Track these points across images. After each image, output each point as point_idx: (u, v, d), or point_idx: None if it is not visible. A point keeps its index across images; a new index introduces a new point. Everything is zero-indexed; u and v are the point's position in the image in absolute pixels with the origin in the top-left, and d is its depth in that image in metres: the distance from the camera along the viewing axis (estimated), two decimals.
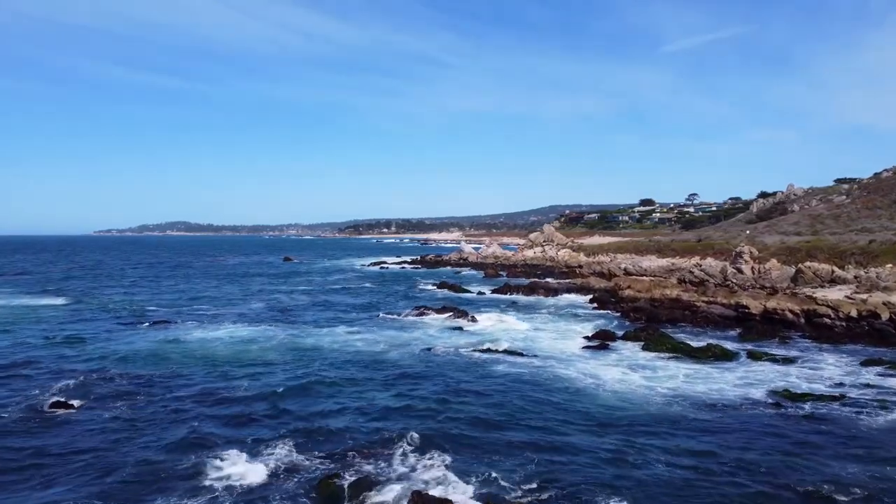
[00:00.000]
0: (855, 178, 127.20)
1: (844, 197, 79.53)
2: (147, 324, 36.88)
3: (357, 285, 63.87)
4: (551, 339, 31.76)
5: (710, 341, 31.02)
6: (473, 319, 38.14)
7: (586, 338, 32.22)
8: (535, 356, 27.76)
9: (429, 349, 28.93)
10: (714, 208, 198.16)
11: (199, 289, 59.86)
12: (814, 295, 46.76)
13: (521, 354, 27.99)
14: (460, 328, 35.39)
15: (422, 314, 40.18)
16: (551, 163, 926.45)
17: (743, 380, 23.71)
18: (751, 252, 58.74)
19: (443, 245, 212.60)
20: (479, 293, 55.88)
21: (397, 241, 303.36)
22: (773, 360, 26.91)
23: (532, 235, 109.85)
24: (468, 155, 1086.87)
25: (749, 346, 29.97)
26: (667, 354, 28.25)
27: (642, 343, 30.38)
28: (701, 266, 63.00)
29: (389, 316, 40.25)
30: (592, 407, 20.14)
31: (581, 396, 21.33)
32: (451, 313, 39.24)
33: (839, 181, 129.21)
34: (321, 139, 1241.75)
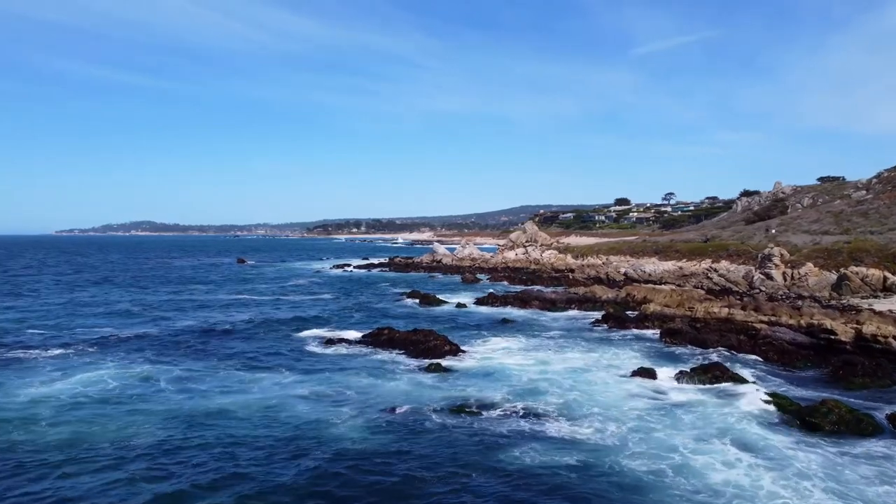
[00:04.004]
0: (839, 177, 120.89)
1: (864, 192, 71.14)
2: None
3: (312, 296, 52.96)
4: (580, 384, 21.38)
5: (807, 392, 21.29)
6: (459, 351, 27.74)
7: (630, 375, 22.12)
8: (570, 421, 17.42)
9: (398, 411, 18.44)
10: (692, 208, 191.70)
11: (113, 300, 48.32)
12: (871, 307, 37.69)
13: (546, 419, 17.63)
14: (442, 366, 24.91)
15: (389, 343, 29.60)
16: (522, 163, 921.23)
17: None
18: (781, 255, 49.46)
19: (415, 246, 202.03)
20: (459, 305, 45.63)
21: (364, 240, 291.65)
22: None
23: (513, 235, 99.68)
24: (439, 155, 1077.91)
25: (878, 403, 20.12)
26: (767, 417, 18.22)
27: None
28: (718, 271, 53.65)
29: (344, 348, 29.57)
30: None
31: None
32: (428, 341, 28.67)
33: (823, 180, 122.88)
34: (293, 138, 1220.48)
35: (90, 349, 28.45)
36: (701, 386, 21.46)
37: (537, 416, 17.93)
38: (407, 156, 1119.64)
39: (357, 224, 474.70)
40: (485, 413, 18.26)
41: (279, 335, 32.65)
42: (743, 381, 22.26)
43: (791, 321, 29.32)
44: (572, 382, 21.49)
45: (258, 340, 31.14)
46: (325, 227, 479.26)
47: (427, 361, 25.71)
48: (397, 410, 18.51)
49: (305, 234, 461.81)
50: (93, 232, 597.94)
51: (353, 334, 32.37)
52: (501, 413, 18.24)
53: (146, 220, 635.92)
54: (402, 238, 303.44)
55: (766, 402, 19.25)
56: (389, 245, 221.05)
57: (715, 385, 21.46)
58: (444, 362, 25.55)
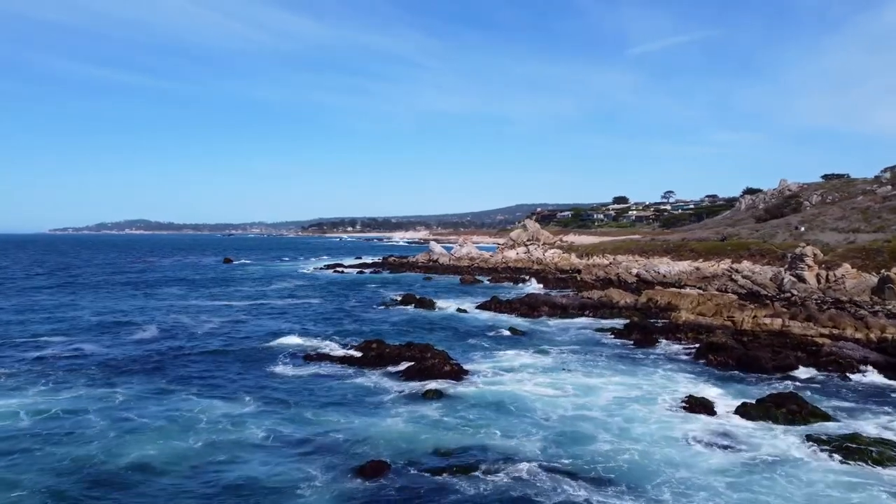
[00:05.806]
0: (844, 175, 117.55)
1: (890, 187, 66.70)
2: None
3: (295, 301, 48.07)
4: (632, 426, 16.30)
5: None
6: (462, 371, 22.96)
7: (682, 407, 17.28)
8: (639, 493, 12.41)
9: (389, 469, 13.64)
10: (692, 206, 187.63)
11: (74, 306, 43.32)
12: None
13: (605, 487, 12.70)
14: (442, 393, 20.15)
15: (378, 360, 24.77)
16: (519, 162, 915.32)
17: None
18: (814, 255, 44.79)
19: (411, 246, 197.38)
20: (459, 310, 40.93)
21: (359, 239, 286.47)
22: None
23: (514, 234, 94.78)
24: (437, 154, 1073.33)
25: None
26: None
27: (821, 442, 15.60)
28: (742, 272, 49.01)
29: (323, 367, 24.69)
30: None
31: None
32: (425, 359, 23.85)
33: (827, 177, 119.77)
34: (291, 138, 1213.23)
35: (22, 369, 23.65)
36: (779, 427, 16.70)
37: (590, 481, 12.93)
38: (404, 155, 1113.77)
39: (352, 223, 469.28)
40: (510, 471, 13.37)
41: (248, 350, 27.75)
42: (826, 417, 17.59)
43: (858, 335, 24.68)
44: (621, 423, 16.55)
45: (222, 357, 26.24)
46: (321, 225, 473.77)
47: (424, 386, 20.93)
48: (387, 469, 13.68)
49: (300, 233, 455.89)
50: (87, 231, 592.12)
51: (336, 348, 27.57)
52: (535, 472, 13.29)
53: (141, 219, 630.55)
54: (398, 236, 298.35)
55: (875, 459, 14.53)
56: (384, 244, 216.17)
57: (796, 426, 16.71)
58: (445, 386, 20.79)
